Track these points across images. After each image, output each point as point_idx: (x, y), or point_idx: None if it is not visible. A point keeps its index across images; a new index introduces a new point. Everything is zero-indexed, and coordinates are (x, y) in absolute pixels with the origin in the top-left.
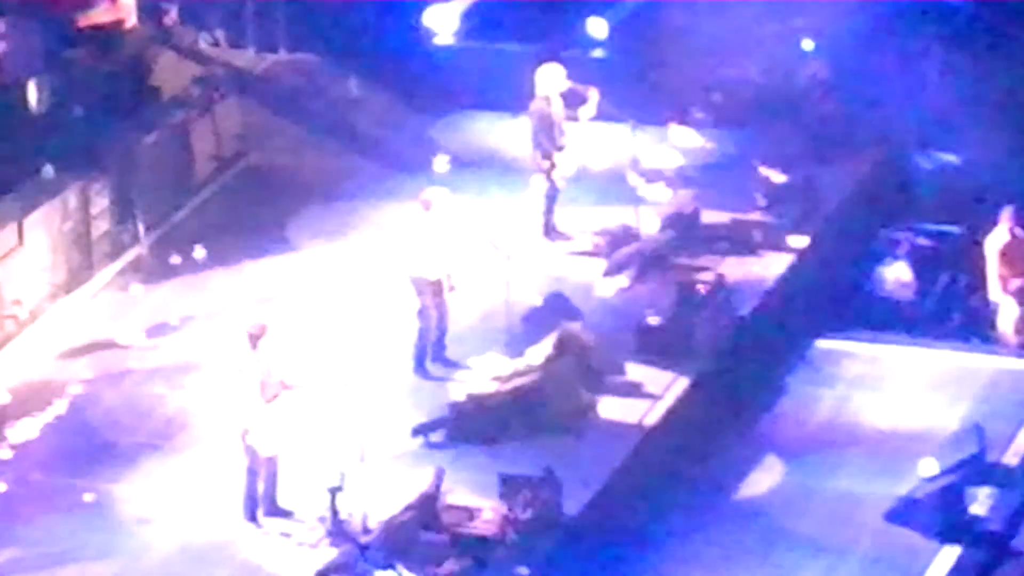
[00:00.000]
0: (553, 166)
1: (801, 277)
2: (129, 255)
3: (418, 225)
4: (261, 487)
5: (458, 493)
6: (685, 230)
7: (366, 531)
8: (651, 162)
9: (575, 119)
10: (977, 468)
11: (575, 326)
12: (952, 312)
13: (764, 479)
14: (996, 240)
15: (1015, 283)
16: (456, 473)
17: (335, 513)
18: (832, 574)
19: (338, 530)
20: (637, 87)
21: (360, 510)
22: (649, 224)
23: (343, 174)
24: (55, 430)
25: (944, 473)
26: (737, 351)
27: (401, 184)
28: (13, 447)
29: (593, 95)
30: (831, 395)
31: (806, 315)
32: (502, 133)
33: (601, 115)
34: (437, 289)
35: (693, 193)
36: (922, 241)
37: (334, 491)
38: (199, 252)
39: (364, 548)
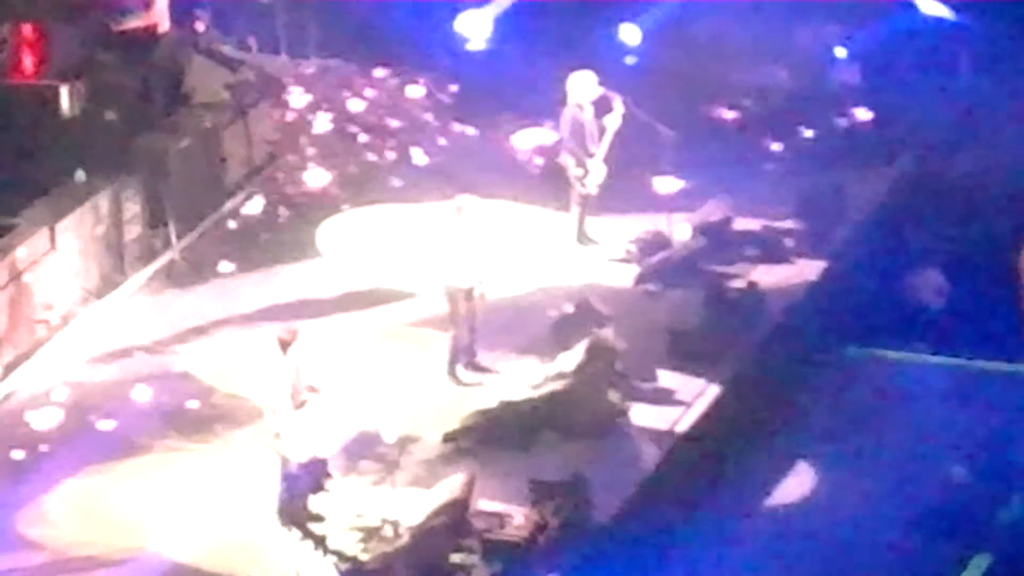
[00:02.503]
0: (585, 173)
1: (832, 284)
2: (161, 260)
3: (450, 232)
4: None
5: (489, 499)
6: (717, 237)
7: (397, 536)
8: None
9: (603, 127)
10: (1007, 476)
11: (606, 332)
12: (983, 320)
13: (794, 486)
14: None
15: None
16: (487, 479)
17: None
18: None
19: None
20: (669, 93)
21: (391, 515)
22: (681, 231)
23: (374, 179)
24: (85, 434)
25: (974, 481)
26: (767, 358)
27: (433, 190)
28: (45, 451)
29: (618, 103)
30: (861, 403)
31: (837, 322)
32: (534, 139)
33: (630, 122)
34: (468, 295)
35: (724, 200)
36: (954, 248)
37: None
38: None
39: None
